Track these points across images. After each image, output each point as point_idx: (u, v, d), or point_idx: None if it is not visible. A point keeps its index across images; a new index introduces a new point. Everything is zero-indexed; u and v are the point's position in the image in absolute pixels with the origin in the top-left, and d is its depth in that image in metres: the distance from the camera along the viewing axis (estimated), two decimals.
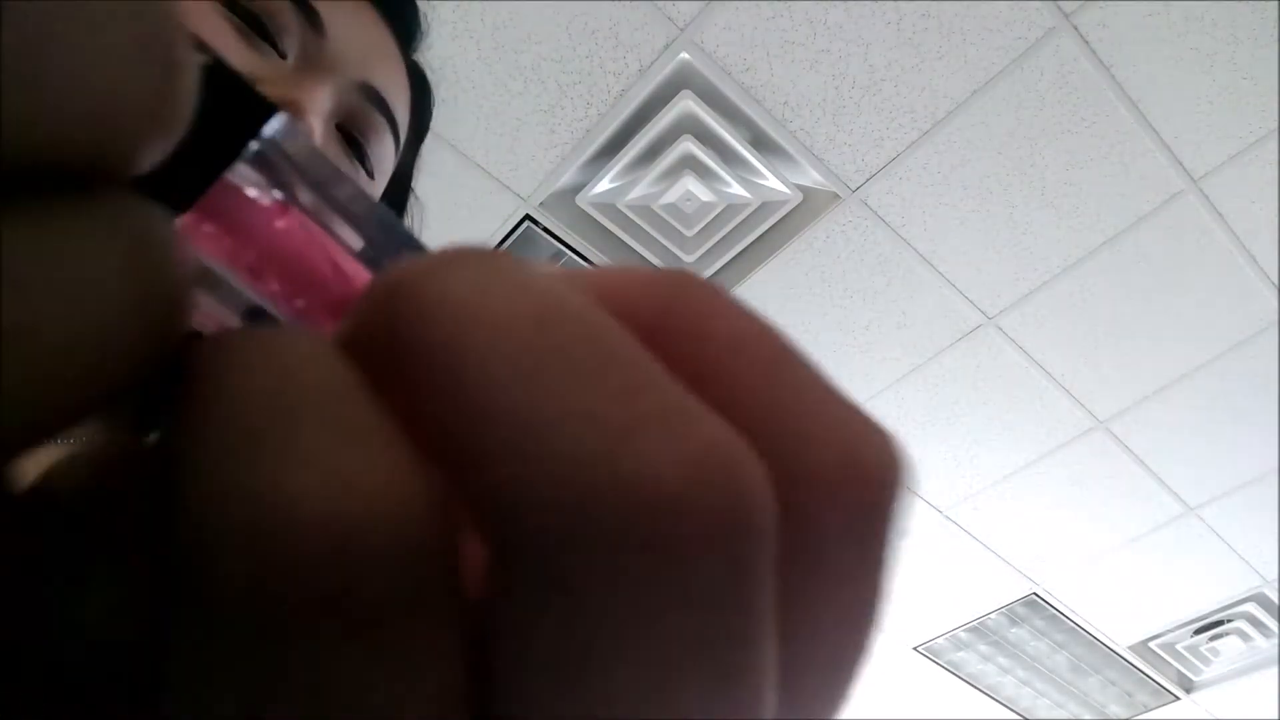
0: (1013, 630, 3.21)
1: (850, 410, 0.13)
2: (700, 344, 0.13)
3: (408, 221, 0.56)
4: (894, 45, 1.80)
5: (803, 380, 0.13)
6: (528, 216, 2.12)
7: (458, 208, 2.10)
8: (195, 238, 0.15)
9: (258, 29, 0.43)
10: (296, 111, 0.42)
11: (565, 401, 0.11)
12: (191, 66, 0.11)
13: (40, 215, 0.10)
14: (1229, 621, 3.10)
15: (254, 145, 0.15)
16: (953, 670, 3.39)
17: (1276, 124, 1.89)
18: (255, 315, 0.16)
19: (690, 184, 2.05)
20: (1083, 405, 2.48)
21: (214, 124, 0.14)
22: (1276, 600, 3.00)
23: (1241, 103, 1.86)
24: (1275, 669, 3.24)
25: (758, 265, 2.20)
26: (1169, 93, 1.85)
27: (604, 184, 2.07)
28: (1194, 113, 1.88)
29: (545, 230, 2.14)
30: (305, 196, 0.16)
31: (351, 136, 0.47)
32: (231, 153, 0.15)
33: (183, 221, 0.15)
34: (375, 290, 0.13)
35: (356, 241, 0.16)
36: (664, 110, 1.92)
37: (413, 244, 0.17)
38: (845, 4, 1.74)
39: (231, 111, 0.15)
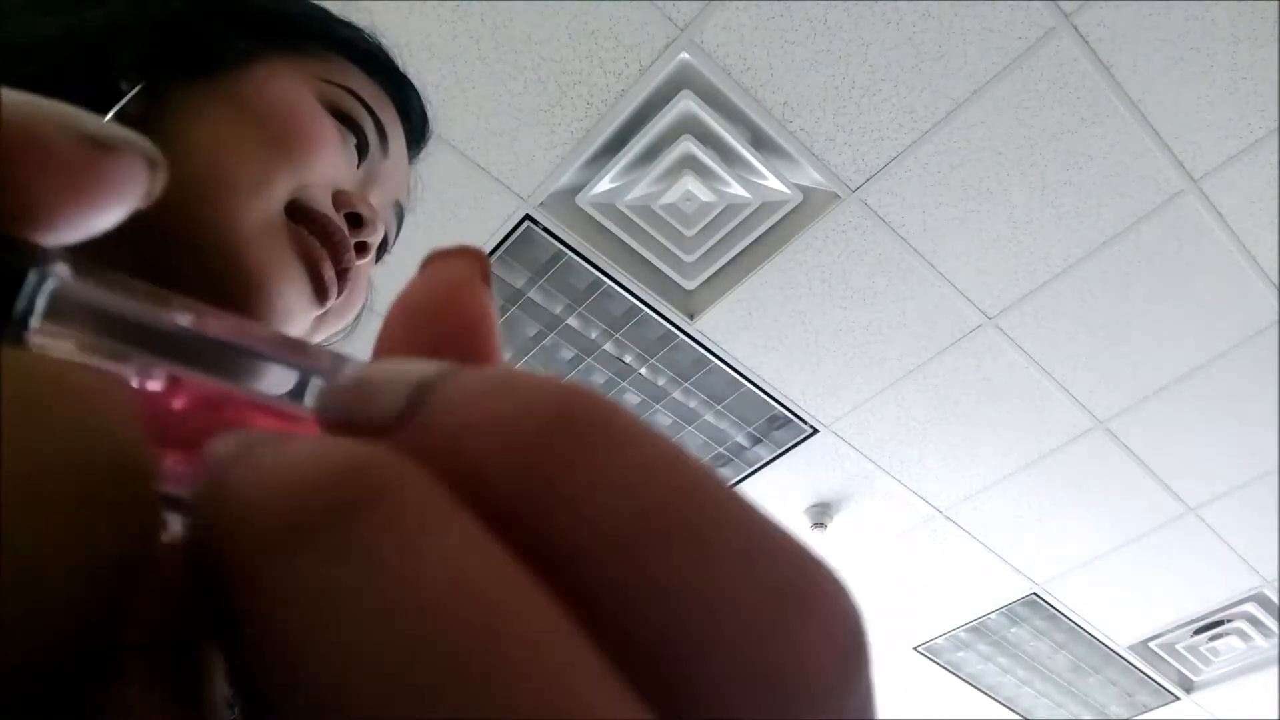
0: (1013, 630, 3.21)
1: (778, 541, 0.13)
2: (609, 472, 0.12)
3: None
4: (894, 45, 1.80)
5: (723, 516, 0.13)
6: (528, 216, 2.12)
7: (458, 207, 2.10)
8: None
9: (356, 136, 0.55)
10: (373, 221, 0.54)
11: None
12: None
13: None
14: (1229, 621, 3.10)
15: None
16: (953, 670, 3.39)
17: (1276, 124, 1.89)
18: None
19: (690, 184, 2.05)
20: (1083, 405, 2.48)
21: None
22: (1276, 600, 3.00)
23: (1241, 103, 1.86)
24: (1275, 669, 3.24)
25: (758, 265, 2.20)
26: (1169, 93, 1.85)
27: (604, 184, 2.07)
28: (1194, 113, 1.88)
29: (545, 230, 2.14)
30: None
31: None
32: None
33: None
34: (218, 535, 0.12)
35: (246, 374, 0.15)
36: (664, 110, 1.92)
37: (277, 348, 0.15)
38: (845, 4, 1.74)
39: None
